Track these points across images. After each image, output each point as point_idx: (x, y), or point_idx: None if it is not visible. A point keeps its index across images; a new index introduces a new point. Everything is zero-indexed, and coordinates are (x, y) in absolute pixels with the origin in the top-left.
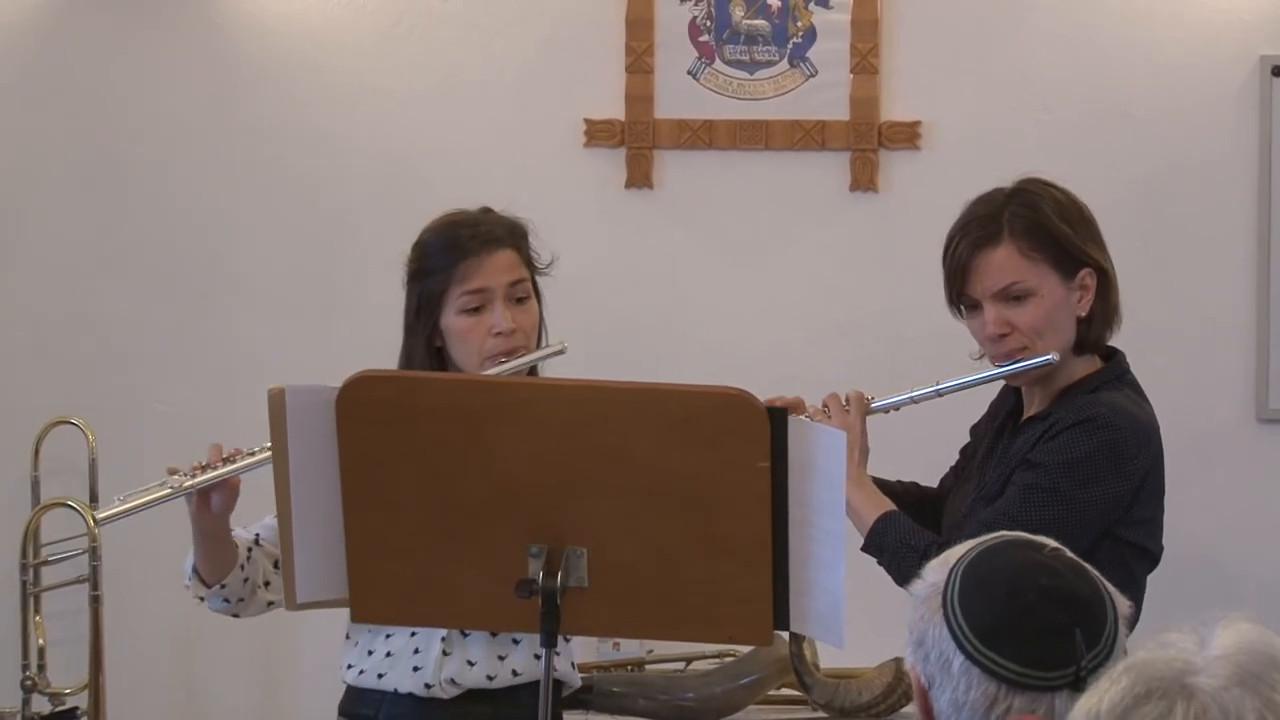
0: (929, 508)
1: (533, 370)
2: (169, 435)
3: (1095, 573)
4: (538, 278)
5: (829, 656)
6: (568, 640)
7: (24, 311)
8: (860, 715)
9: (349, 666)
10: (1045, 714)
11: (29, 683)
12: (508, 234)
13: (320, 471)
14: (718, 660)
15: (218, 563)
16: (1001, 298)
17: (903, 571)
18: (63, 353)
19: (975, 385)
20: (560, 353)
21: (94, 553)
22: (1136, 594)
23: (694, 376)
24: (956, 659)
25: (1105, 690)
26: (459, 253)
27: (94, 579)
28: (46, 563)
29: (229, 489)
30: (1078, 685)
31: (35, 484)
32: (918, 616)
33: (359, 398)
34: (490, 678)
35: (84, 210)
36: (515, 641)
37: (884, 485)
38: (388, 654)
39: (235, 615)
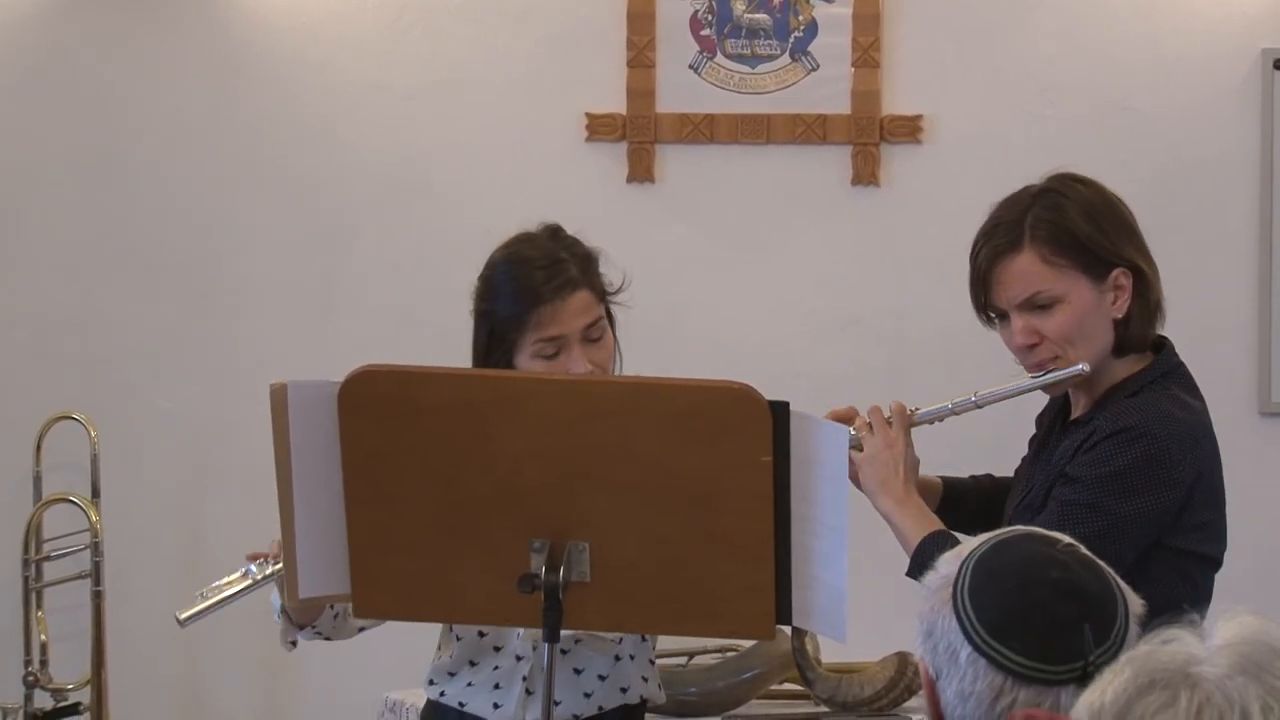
0: (1006, 498)
1: None
2: (170, 431)
3: (1108, 569)
4: (611, 305)
5: (831, 651)
6: (653, 663)
7: (26, 308)
8: (863, 710)
9: (431, 683)
10: (1051, 708)
11: (31, 678)
12: (581, 273)
13: (322, 466)
14: (720, 655)
15: (307, 611)
16: (1027, 307)
17: None
18: (65, 349)
19: (1013, 395)
20: None
21: (96, 548)
22: (1201, 600)
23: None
24: (964, 650)
25: (1108, 683)
26: (533, 298)
27: (96, 574)
28: (48, 558)
29: None
30: (1084, 680)
31: (37, 479)
32: (928, 607)
33: (361, 392)
34: (577, 717)
35: (86, 208)
36: (602, 678)
37: (957, 483)
38: (469, 684)
39: (335, 637)
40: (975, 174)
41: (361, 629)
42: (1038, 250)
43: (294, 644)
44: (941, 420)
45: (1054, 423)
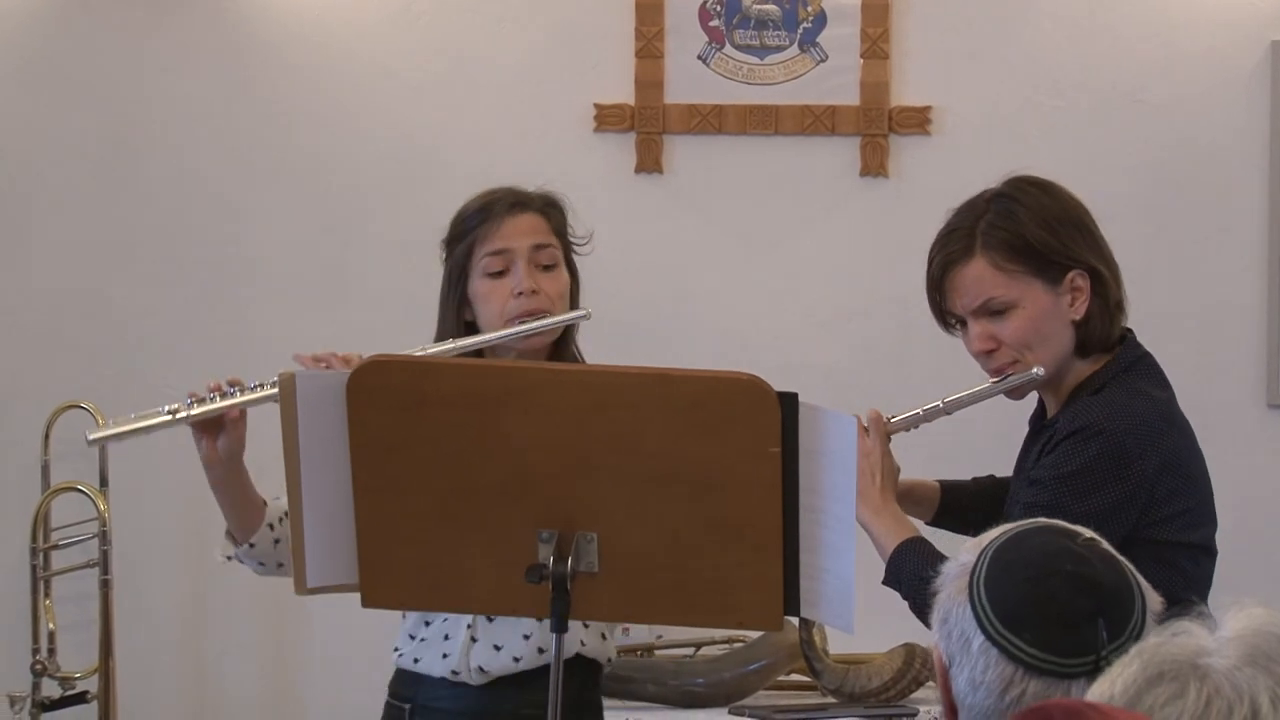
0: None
1: (563, 344)
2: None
3: (1128, 565)
4: (573, 255)
5: (839, 642)
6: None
7: (36, 296)
8: (870, 701)
9: (395, 648)
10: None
11: (39, 667)
12: (536, 200)
13: (331, 456)
14: (727, 646)
15: (242, 518)
16: (982, 313)
17: (918, 605)
18: (74, 337)
19: (978, 401)
20: (585, 317)
21: (104, 537)
22: (1192, 586)
23: (704, 361)
24: (976, 639)
25: (1118, 674)
26: (483, 215)
27: (104, 563)
28: (56, 547)
29: (234, 431)
30: (1096, 674)
31: (45, 468)
32: (945, 595)
33: (370, 383)
34: (516, 659)
35: (95, 196)
36: (540, 619)
37: (959, 486)
38: (422, 639)
39: (284, 576)
40: (984, 165)
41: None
42: (989, 257)
43: (228, 559)
44: (916, 427)
45: (1032, 425)
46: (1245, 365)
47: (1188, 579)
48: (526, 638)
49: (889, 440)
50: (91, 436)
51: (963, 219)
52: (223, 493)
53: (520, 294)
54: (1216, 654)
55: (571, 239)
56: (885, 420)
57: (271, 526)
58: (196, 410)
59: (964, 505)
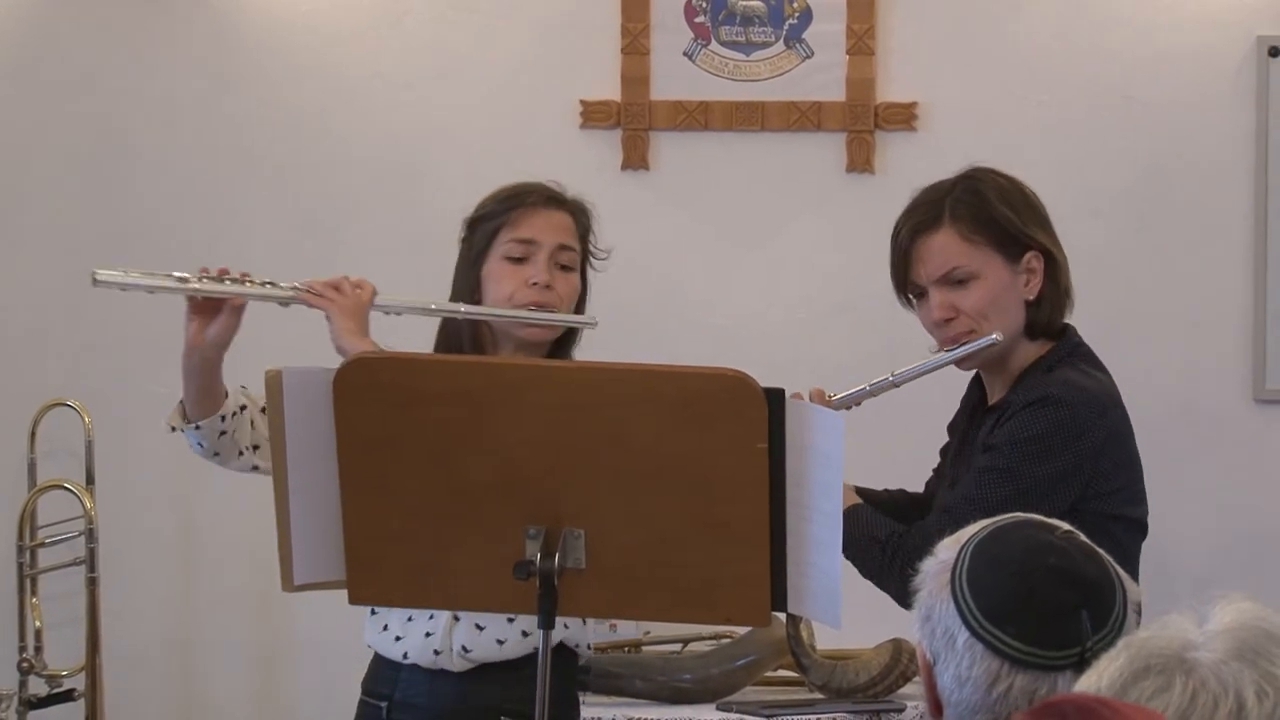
0: (917, 512)
1: (562, 345)
2: (165, 417)
3: (1108, 557)
4: (589, 266)
5: (826, 638)
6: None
7: (20, 294)
8: (857, 696)
9: (374, 615)
10: (1048, 694)
11: (26, 665)
12: (571, 202)
13: (318, 453)
14: (714, 642)
15: (202, 402)
16: (945, 282)
17: (867, 563)
18: (60, 335)
19: (928, 372)
20: (591, 325)
21: (91, 535)
22: (1125, 562)
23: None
24: (961, 635)
25: (1104, 668)
26: (517, 200)
27: (91, 561)
28: (43, 545)
29: (229, 320)
30: (1082, 667)
31: (32, 466)
32: (926, 592)
33: (357, 380)
34: (500, 642)
35: (80, 195)
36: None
37: (871, 494)
38: (409, 618)
39: (219, 465)
40: (970, 161)
41: (256, 468)
42: (956, 228)
43: (173, 430)
44: (859, 404)
45: (971, 417)
46: (1231, 360)
47: (1124, 553)
48: (511, 620)
49: None
50: (100, 275)
51: (930, 195)
52: (191, 376)
53: (535, 284)
54: (1203, 648)
55: (591, 249)
56: (828, 398)
57: (223, 417)
58: (206, 286)
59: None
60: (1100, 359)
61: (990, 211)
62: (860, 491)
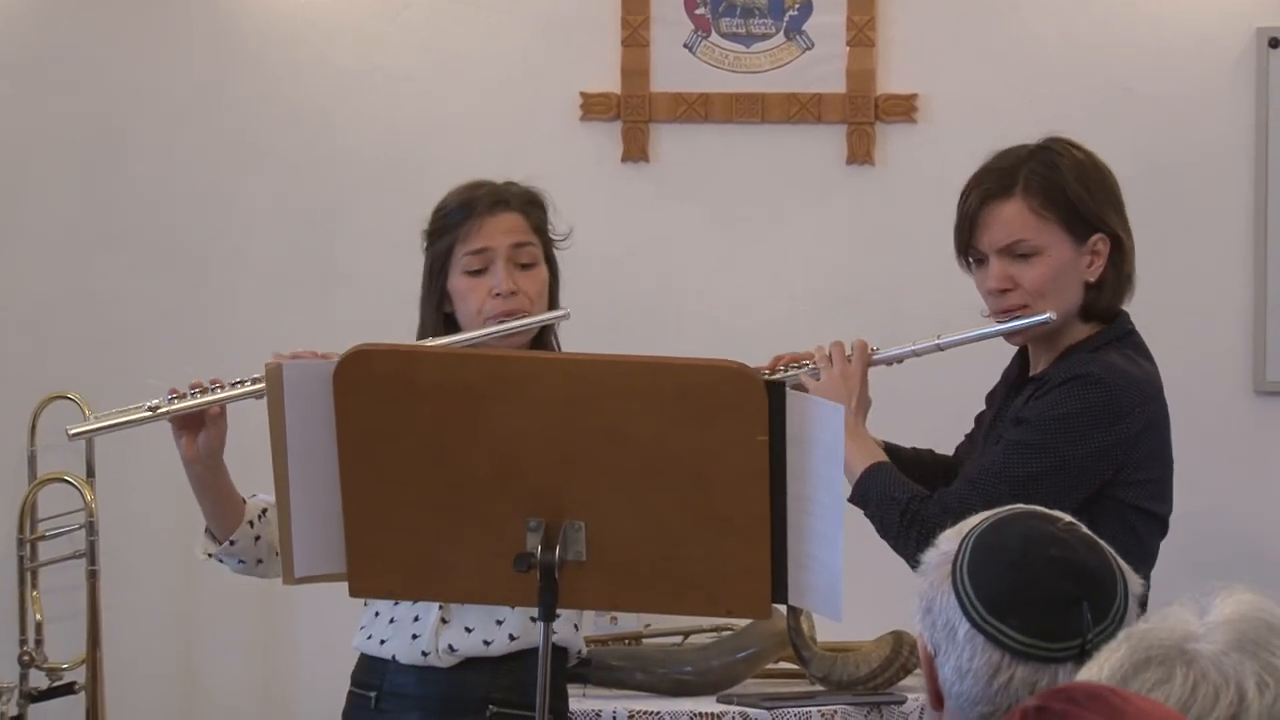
0: (942, 474)
1: (540, 338)
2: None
3: (1109, 549)
4: (554, 251)
5: (827, 630)
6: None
7: (20, 287)
8: (858, 688)
9: (361, 628)
10: (1049, 685)
11: (26, 658)
12: (517, 199)
13: (318, 446)
14: (715, 634)
15: (222, 517)
16: (1007, 253)
17: (885, 523)
18: (60, 328)
19: (975, 341)
20: (564, 317)
21: (91, 527)
22: (1145, 560)
23: (691, 350)
24: (962, 626)
25: (1105, 659)
26: (465, 213)
27: (91, 554)
28: (43, 538)
29: (215, 427)
30: (1082, 658)
31: (32, 459)
32: (927, 584)
33: (356, 372)
34: (487, 643)
35: (80, 188)
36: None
37: (897, 451)
38: (391, 620)
39: (262, 576)
40: (970, 153)
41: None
42: (1027, 200)
43: (209, 556)
44: (901, 361)
45: (1011, 386)
46: (1231, 351)
47: (1144, 549)
48: (499, 623)
49: (867, 372)
50: (72, 431)
51: (1005, 161)
52: (202, 491)
53: (498, 295)
54: (1204, 639)
55: (552, 235)
56: (871, 351)
57: (251, 524)
58: (177, 405)
59: (903, 468)
60: (1150, 350)
61: (1064, 188)
62: (887, 447)
